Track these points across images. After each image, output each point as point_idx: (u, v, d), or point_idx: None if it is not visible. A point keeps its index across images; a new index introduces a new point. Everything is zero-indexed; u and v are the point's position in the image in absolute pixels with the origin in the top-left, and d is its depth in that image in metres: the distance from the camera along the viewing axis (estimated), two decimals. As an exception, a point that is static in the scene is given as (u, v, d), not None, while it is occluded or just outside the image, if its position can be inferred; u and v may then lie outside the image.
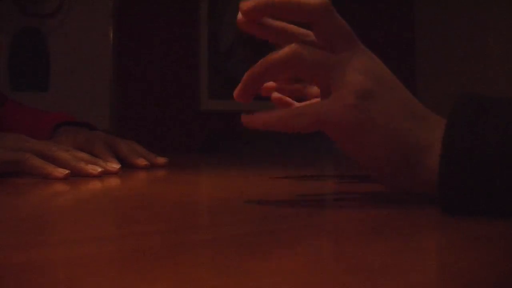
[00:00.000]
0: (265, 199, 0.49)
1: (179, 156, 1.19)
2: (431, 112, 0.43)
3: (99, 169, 0.66)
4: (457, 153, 0.37)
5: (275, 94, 0.67)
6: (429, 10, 1.77)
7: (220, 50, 1.72)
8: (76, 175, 0.64)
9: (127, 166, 0.77)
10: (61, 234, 0.34)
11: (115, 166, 0.71)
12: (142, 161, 0.80)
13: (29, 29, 1.65)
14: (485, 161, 0.36)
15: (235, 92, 0.44)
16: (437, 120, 0.41)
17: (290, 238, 0.33)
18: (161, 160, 0.83)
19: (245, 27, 0.45)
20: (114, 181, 0.65)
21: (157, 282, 0.22)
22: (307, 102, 0.60)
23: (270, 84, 0.63)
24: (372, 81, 0.41)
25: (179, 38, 1.86)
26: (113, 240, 0.31)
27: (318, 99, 0.55)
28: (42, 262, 0.25)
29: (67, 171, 0.62)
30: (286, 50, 0.42)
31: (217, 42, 1.72)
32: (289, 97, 0.65)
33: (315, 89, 0.62)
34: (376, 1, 1.90)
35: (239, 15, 0.45)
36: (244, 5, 0.44)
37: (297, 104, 0.64)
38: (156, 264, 0.25)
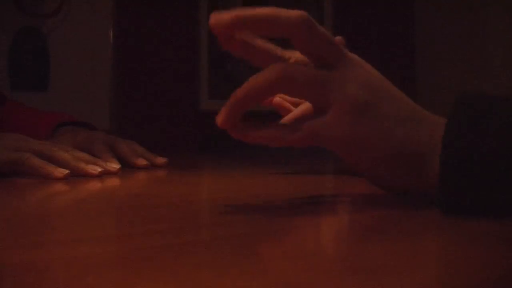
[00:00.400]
0: (265, 199, 0.49)
1: (179, 156, 1.19)
2: (431, 113, 0.42)
3: (99, 169, 0.66)
4: (457, 153, 0.37)
5: (277, 99, 0.67)
6: (429, 10, 1.77)
7: (220, 50, 1.72)
8: (76, 175, 0.64)
9: (127, 166, 0.77)
10: (61, 234, 0.34)
11: (115, 166, 0.71)
12: (142, 161, 0.80)
13: (29, 29, 1.65)
14: (485, 161, 0.36)
15: (219, 119, 0.40)
16: (438, 120, 0.41)
17: (290, 238, 0.33)
18: (161, 160, 0.83)
19: (221, 41, 0.40)
20: (114, 181, 0.65)
21: (157, 282, 0.22)
22: (298, 113, 0.56)
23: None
24: (370, 94, 0.41)
25: (179, 38, 1.86)
26: (113, 240, 0.31)
27: (306, 105, 0.54)
28: (42, 262, 0.25)
29: (67, 171, 0.62)
30: (272, 71, 0.39)
31: (217, 42, 1.72)
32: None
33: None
34: (376, 1, 1.90)
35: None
36: (213, 18, 0.39)
37: (293, 108, 0.64)
38: (156, 264, 0.25)
